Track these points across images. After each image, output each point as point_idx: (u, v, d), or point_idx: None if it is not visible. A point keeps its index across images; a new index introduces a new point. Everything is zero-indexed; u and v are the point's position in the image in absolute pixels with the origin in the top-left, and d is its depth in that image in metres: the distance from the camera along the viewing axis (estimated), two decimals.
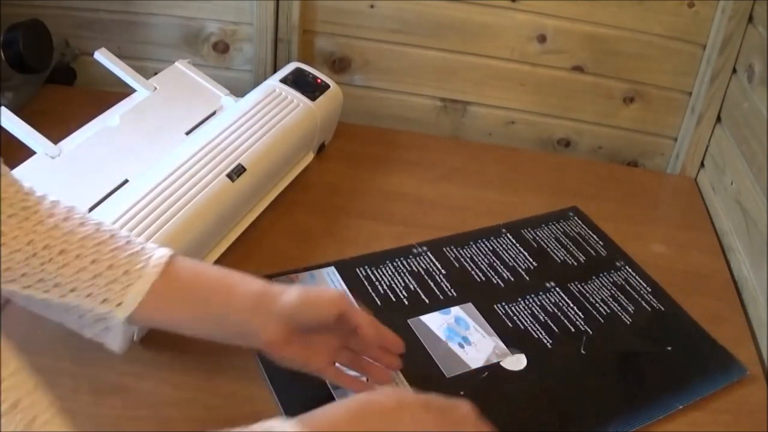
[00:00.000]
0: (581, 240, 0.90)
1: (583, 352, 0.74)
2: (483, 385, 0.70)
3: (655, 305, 0.81)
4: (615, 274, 0.85)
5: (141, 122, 0.84)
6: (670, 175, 1.10)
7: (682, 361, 0.74)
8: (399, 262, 0.83)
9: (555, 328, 0.77)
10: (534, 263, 0.85)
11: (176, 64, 0.93)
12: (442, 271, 0.83)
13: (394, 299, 0.79)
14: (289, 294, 0.59)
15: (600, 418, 0.68)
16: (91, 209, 0.71)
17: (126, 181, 0.75)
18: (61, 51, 1.09)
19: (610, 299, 0.81)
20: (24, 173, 0.72)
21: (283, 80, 0.93)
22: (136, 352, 0.68)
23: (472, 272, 0.83)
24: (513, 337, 0.75)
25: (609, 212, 0.96)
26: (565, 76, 1.07)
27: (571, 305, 0.80)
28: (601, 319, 0.78)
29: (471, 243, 0.87)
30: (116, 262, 0.56)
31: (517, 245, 0.88)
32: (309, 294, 0.60)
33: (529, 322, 0.77)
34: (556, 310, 0.79)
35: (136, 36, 1.09)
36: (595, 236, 0.90)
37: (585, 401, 0.69)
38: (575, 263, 0.86)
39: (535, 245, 0.88)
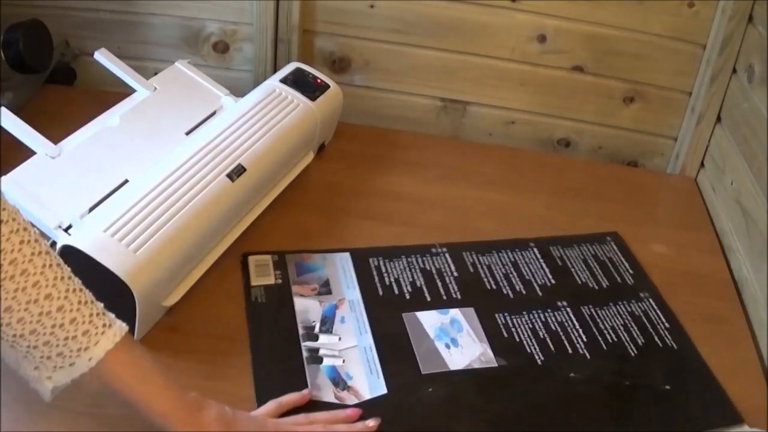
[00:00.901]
0: (610, 265, 0.86)
1: (572, 375, 0.72)
2: (455, 387, 0.69)
3: (668, 342, 0.76)
4: (635, 304, 0.81)
5: (141, 122, 0.84)
6: (670, 175, 1.10)
7: (677, 403, 0.70)
8: (414, 258, 0.83)
9: (551, 347, 0.75)
10: (552, 281, 0.83)
11: (176, 64, 0.93)
12: (454, 273, 0.82)
13: (396, 292, 0.79)
14: None
15: None
16: (91, 209, 0.71)
17: (126, 181, 0.75)
18: (61, 51, 1.09)
19: (621, 328, 0.77)
20: (24, 173, 0.72)
21: (283, 80, 0.93)
22: None
23: (485, 279, 0.82)
24: (504, 347, 0.74)
25: (609, 212, 0.96)
26: (565, 76, 1.07)
27: (577, 327, 0.77)
28: (604, 346, 0.75)
29: (493, 251, 0.86)
30: (79, 317, 0.55)
31: (541, 260, 0.85)
32: None
33: (526, 335, 0.76)
34: (559, 330, 0.77)
35: (136, 36, 1.09)
36: (626, 264, 0.86)
37: (552, 423, 0.68)
38: (596, 287, 0.83)
39: (560, 263, 0.85)
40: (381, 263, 0.82)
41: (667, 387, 0.71)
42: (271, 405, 0.64)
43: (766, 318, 0.79)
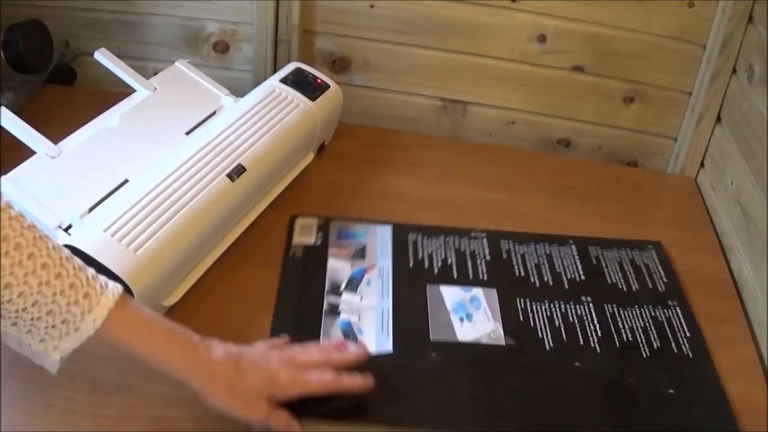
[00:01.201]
0: (645, 271, 0.85)
1: (576, 364, 0.72)
2: (459, 357, 0.72)
3: (684, 350, 0.75)
4: (661, 310, 0.80)
5: (141, 122, 0.84)
6: (670, 175, 1.10)
7: (677, 409, 0.69)
8: (452, 239, 0.86)
9: (564, 336, 0.75)
10: (582, 277, 0.83)
11: (176, 64, 0.93)
12: (487, 257, 0.84)
13: (426, 266, 0.82)
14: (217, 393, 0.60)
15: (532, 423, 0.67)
16: (91, 209, 0.71)
17: (126, 181, 0.75)
18: (61, 51, 1.09)
19: (639, 330, 0.77)
20: (24, 173, 0.72)
21: (283, 80, 0.93)
22: None
23: (515, 266, 0.84)
24: (516, 329, 0.76)
25: (609, 212, 0.96)
26: (565, 76, 1.07)
27: (595, 322, 0.77)
28: (618, 344, 0.75)
29: (531, 243, 0.87)
30: (78, 281, 0.56)
31: (576, 257, 0.86)
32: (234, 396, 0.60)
33: (542, 322, 0.77)
34: (576, 321, 0.77)
35: (136, 36, 1.09)
36: (662, 272, 0.85)
37: (546, 405, 0.68)
38: (625, 289, 0.82)
39: (594, 262, 0.85)
40: (419, 238, 0.86)
41: (671, 391, 0.71)
42: (274, 339, 0.67)
43: (766, 318, 0.79)
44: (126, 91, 0.88)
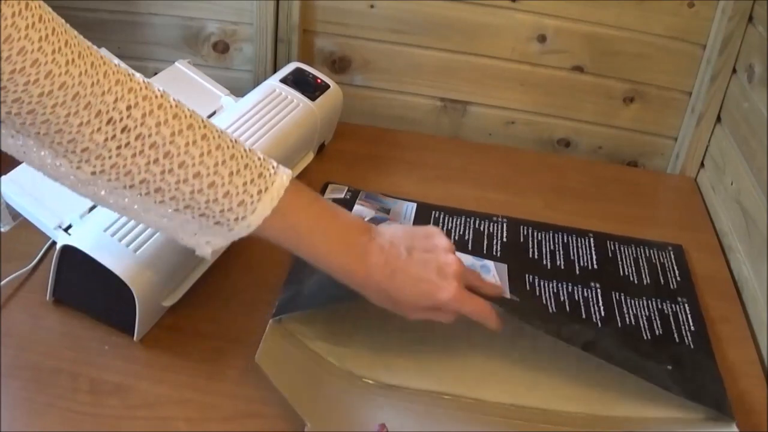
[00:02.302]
0: (659, 269, 0.85)
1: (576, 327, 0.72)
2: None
3: (686, 341, 0.75)
4: (668, 305, 0.79)
5: None
6: (670, 175, 1.10)
7: (672, 380, 0.68)
8: (474, 220, 0.89)
9: (567, 309, 0.76)
10: (595, 266, 0.84)
11: (176, 64, 0.93)
12: (504, 239, 0.86)
13: None
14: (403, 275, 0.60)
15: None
16: (91, 209, 0.71)
17: None
18: None
19: (643, 318, 0.77)
20: (24, 173, 0.72)
21: (283, 80, 0.93)
22: (136, 352, 0.68)
23: (530, 249, 0.85)
24: (522, 295, 0.76)
25: (609, 212, 0.96)
26: (565, 76, 1.07)
27: (600, 305, 0.77)
28: (619, 325, 0.75)
29: (550, 231, 0.88)
30: (251, 162, 0.56)
31: (593, 249, 0.86)
32: (425, 284, 0.61)
33: (547, 295, 0.78)
34: (581, 301, 0.78)
35: (136, 36, 1.09)
36: (677, 271, 0.85)
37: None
38: (636, 281, 0.82)
39: (610, 255, 0.86)
40: (441, 216, 0.89)
41: (669, 367, 0.70)
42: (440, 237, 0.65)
43: (766, 318, 0.79)
44: None
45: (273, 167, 0.58)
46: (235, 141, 0.57)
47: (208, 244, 0.58)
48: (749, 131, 0.92)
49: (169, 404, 0.64)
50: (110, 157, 0.52)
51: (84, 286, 0.70)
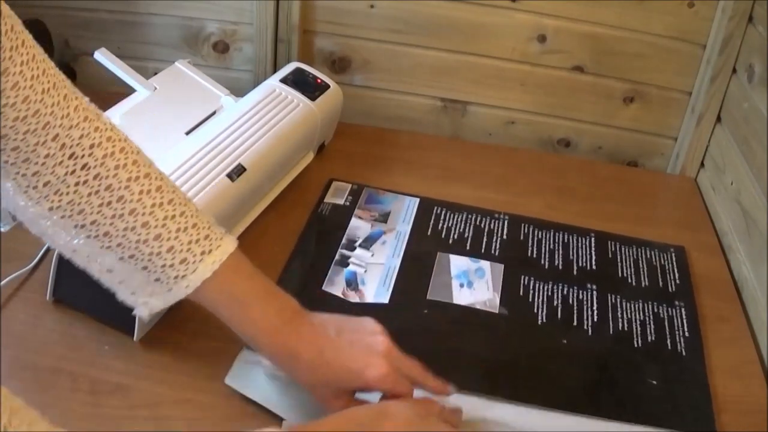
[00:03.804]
0: (659, 271, 0.84)
1: (564, 341, 0.73)
2: (450, 317, 0.75)
3: (678, 348, 0.74)
4: (665, 308, 0.79)
5: (141, 122, 0.83)
6: (670, 175, 1.10)
7: (656, 399, 0.68)
8: (475, 216, 0.90)
9: (559, 315, 0.76)
10: (594, 267, 0.84)
11: (176, 64, 0.93)
12: (504, 237, 0.86)
13: (443, 236, 0.86)
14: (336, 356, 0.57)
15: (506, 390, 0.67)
16: None
17: None
18: (61, 51, 1.09)
19: (637, 323, 0.77)
20: None
21: (283, 80, 0.93)
22: (136, 352, 0.68)
23: (529, 248, 0.85)
24: (512, 301, 0.77)
25: (609, 212, 0.96)
26: (565, 76, 1.07)
27: (594, 308, 0.78)
28: (611, 331, 0.75)
29: (552, 230, 0.89)
30: (199, 222, 0.56)
31: (593, 249, 0.86)
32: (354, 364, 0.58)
33: (540, 300, 0.78)
34: (575, 304, 0.78)
35: (136, 36, 1.09)
36: (677, 274, 0.84)
37: (520, 372, 0.70)
38: (634, 284, 0.82)
39: (609, 256, 0.86)
40: (443, 212, 0.90)
41: (654, 382, 0.70)
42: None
43: (766, 318, 0.79)
44: (126, 91, 0.87)
45: (221, 232, 0.58)
46: (188, 199, 0.58)
47: (146, 305, 0.58)
48: (749, 131, 0.92)
49: (169, 404, 0.64)
50: (68, 194, 0.53)
51: (84, 286, 0.70)
